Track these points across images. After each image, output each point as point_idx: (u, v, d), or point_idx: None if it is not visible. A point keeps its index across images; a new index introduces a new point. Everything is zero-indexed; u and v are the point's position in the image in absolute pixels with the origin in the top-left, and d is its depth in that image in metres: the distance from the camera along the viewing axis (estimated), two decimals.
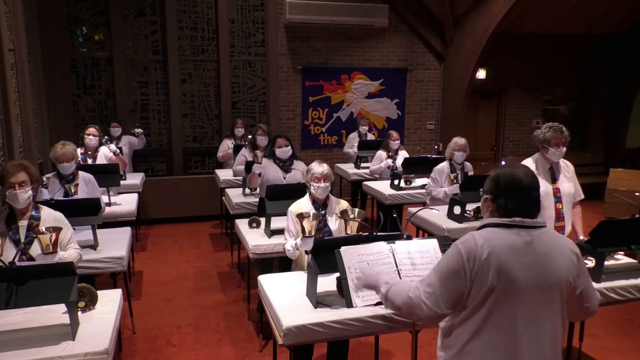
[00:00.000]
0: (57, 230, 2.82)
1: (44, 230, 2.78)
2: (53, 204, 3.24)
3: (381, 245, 2.62)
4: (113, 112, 7.50)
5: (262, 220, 4.17)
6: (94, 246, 3.61)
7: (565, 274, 1.75)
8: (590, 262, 2.93)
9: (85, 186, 4.08)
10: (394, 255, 2.59)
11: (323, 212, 3.29)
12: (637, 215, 3.10)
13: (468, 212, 4.30)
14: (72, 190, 3.99)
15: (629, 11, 8.61)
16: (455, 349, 1.79)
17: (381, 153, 6.16)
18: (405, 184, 5.62)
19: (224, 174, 6.40)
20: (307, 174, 3.34)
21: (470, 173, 5.00)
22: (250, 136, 5.86)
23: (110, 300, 2.72)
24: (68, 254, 2.96)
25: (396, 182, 5.55)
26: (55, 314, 2.55)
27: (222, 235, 6.86)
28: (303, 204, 3.32)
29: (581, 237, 3.59)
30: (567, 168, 3.73)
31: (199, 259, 5.94)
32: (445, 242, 2.75)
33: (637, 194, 5.73)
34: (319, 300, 2.62)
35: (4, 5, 4.52)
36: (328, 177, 3.26)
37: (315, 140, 8.48)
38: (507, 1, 7.17)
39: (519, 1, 7.04)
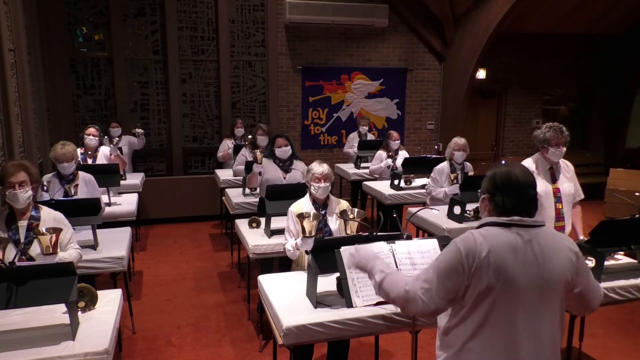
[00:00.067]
0: (57, 231, 2.82)
1: (44, 231, 2.78)
2: (53, 204, 3.24)
3: (381, 245, 2.62)
4: (113, 112, 7.50)
5: (262, 220, 4.17)
6: (94, 246, 3.61)
7: (563, 273, 1.75)
8: (590, 262, 2.93)
9: (85, 186, 4.08)
10: (394, 255, 2.59)
11: (323, 212, 3.29)
12: (637, 215, 3.10)
13: (468, 212, 4.30)
14: (72, 192, 3.99)
15: (629, 11, 8.61)
16: (454, 348, 1.79)
17: (381, 153, 6.16)
18: (405, 184, 5.62)
19: (224, 174, 6.40)
20: (307, 174, 3.34)
21: (471, 173, 5.00)
22: (250, 136, 5.86)
23: (110, 300, 2.72)
24: (68, 254, 2.96)
25: (396, 182, 5.55)
26: (55, 314, 2.55)
27: (222, 235, 6.86)
28: (303, 204, 3.32)
29: (581, 237, 3.59)
30: (567, 168, 3.73)
31: (199, 259, 5.94)
32: (445, 242, 2.74)
33: (637, 194, 5.72)
34: (319, 300, 2.62)
35: (4, 5, 4.52)
36: (328, 177, 3.26)
37: (315, 140, 8.48)
38: (507, 1, 7.17)
39: (519, 1, 7.04)
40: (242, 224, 4.34)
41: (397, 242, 2.65)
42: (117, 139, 6.24)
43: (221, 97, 7.91)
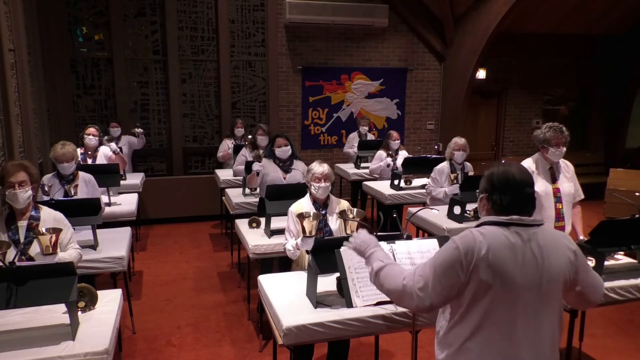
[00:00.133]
0: (57, 231, 2.81)
1: (44, 231, 2.78)
2: (53, 204, 3.24)
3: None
4: (113, 112, 7.50)
5: (262, 220, 4.17)
6: (94, 246, 3.61)
7: (562, 272, 1.75)
8: (591, 262, 2.93)
9: (85, 186, 4.08)
10: (394, 255, 2.59)
11: (324, 212, 3.29)
12: (637, 215, 3.10)
13: (468, 212, 4.30)
14: (72, 192, 3.99)
15: (629, 11, 8.61)
16: (453, 348, 1.79)
17: (381, 153, 6.16)
18: (405, 184, 5.62)
19: (224, 174, 6.40)
20: (307, 174, 3.34)
21: (471, 173, 5.00)
22: (250, 136, 5.86)
23: (110, 300, 2.72)
24: (68, 254, 2.96)
25: (396, 182, 5.55)
26: (55, 314, 2.55)
27: (222, 235, 6.85)
28: (303, 204, 3.32)
29: (581, 237, 3.59)
30: (567, 168, 3.73)
31: (199, 259, 5.94)
32: (445, 242, 2.75)
33: (637, 194, 5.72)
34: (319, 300, 2.62)
35: (4, 5, 4.52)
36: (329, 177, 3.26)
37: (315, 140, 8.48)
38: (507, 1, 7.17)
39: (519, 1, 7.04)
40: (242, 224, 4.34)
41: (397, 242, 2.65)
42: (108, 137, 6.21)
43: (221, 97, 7.91)
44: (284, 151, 4.50)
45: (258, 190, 4.90)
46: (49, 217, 2.99)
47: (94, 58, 7.44)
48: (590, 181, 8.30)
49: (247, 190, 5.32)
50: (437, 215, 4.45)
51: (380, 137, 7.54)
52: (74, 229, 3.17)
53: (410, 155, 6.07)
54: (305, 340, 2.47)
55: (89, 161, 5.05)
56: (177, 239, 6.70)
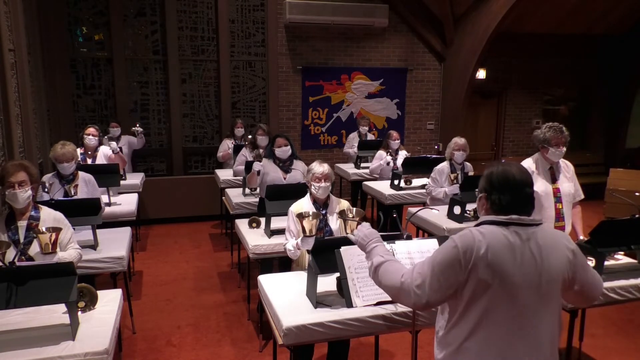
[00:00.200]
0: (57, 230, 2.81)
1: (43, 230, 2.78)
2: (53, 204, 3.24)
3: None
4: (113, 112, 7.50)
5: (262, 220, 4.17)
6: (94, 246, 3.61)
7: (561, 272, 1.75)
8: (591, 262, 2.93)
9: (85, 186, 4.08)
10: (394, 255, 2.59)
11: (324, 212, 3.29)
12: (637, 215, 3.10)
13: (468, 212, 4.30)
14: (72, 192, 3.99)
15: (629, 11, 8.61)
16: (452, 347, 1.79)
17: (381, 153, 6.16)
18: (405, 184, 5.62)
19: (224, 174, 6.40)
20: (307, 174, 3.34)
21: (471, 173, 5.00)
22: (250, 136, 5.86)
23: (110, 300, 2.72)
24: (67, 254, 2.96)
25: (396, 182, 5.55)
26: (55, 314, 2.55)
27: (222, 235, 6.85)
28: (304, 204, 3.32)
29: (581, 237, 3.59)
30: (567, 168, 3.73)
31: (199, 259, 5.94)
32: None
33: (637, 194, 5.73)
34: (319, 300, 2.62)
35: (4, 5, 4.52)
36: (329, 177, 3.26)
37: (315, 140, 8.48)
38: (507, 1, 7.17)
39: (519, 1, 7.04)
40: (242, 224, 4.34)
41: (397, 242, 2.64)
42: (108, 136, 6.21)
43: (221, 97, 7.91)
44: (284, 151, 4.50)
45: (258, 190, 4.90)
46: (49, 217, 2.99)
47: (94, 58, 7.44)
48: (590, 181, 8.30)
49: (247, 190, 5.32)
50: (437, 215, 4.45)
51: (380, 137, 7.54)
52: (74, 229, 3.17)
53: (410, 155, 6.09)
54: (305, 340, 2.47)
55: (89, 161, 5.05)
56: (177, 239, 6.70)
